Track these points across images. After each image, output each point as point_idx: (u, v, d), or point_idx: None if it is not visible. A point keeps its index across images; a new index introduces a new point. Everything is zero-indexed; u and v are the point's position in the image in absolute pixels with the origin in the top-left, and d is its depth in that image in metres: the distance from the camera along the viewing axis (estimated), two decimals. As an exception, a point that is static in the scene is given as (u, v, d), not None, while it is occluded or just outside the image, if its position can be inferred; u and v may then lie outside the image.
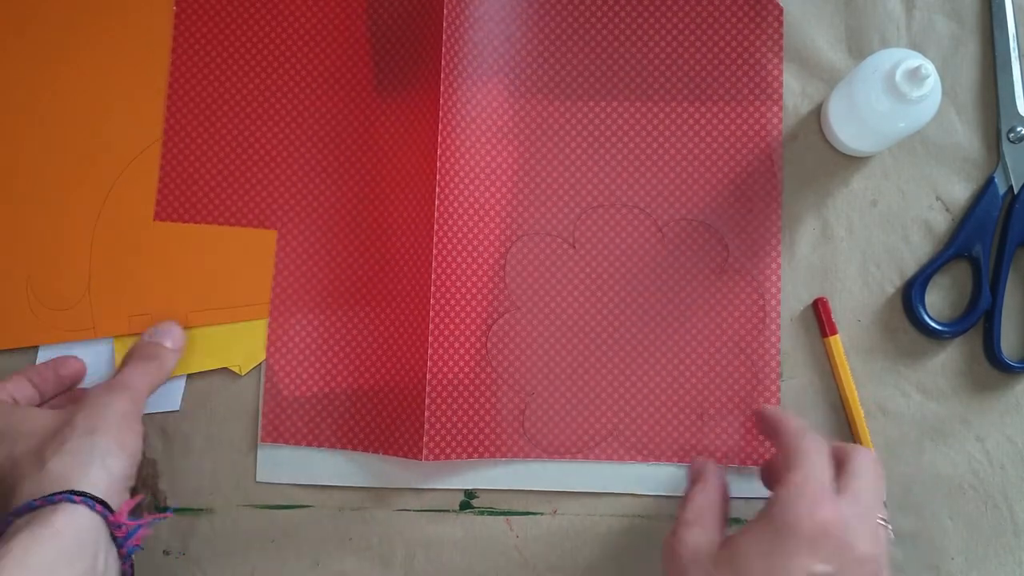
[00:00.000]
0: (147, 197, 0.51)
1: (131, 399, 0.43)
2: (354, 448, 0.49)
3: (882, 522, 0.39)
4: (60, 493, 0.38)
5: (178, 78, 0.52)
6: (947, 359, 0.49)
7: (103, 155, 0.51)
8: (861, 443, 0.48)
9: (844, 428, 0.49)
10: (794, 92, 0.50)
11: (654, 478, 0.49)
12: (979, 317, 0.48)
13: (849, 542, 0.37)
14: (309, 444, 0.49)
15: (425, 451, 0.47)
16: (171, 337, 0.48)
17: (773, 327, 0.49)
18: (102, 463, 0.40)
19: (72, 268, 0.51)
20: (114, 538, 0.39)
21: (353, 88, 0.52)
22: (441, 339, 0.48)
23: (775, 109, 0.50)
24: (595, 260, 0.50)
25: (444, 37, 0.49)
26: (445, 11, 0.49)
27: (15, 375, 0.46)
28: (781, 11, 0.51)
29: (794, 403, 0.49)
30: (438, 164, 0.49)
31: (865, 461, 0.40)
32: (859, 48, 0.50)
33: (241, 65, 0.52)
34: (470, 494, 0.49)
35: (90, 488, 0.38)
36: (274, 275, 0.50)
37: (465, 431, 0.48)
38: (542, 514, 0.49)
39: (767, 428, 0.44)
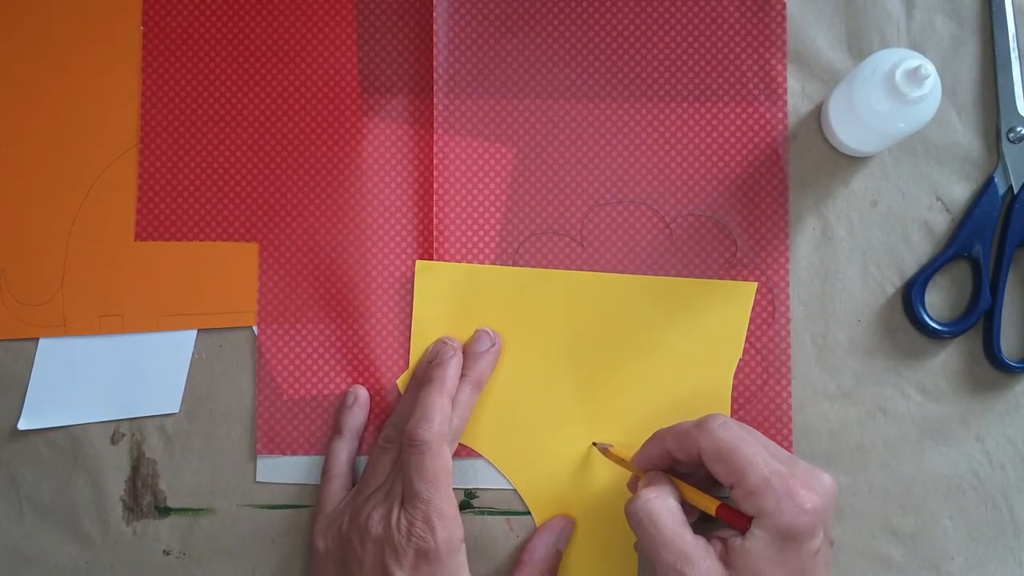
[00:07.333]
0: (126, 198, 0.51)
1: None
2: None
3: None
4: None
5: (150, 97, 0.51)
6: (947, 359, 0.49)
7: (84, 155, 0.51)
8: None
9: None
10: (794, 92, 0.50)
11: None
12: (979, 317, 0.48)
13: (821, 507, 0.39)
14: (306, 452, 0.49)
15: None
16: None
17: (783, 320, 0.49)
18: None
19: (47, 265, 0.51)
20: None
21: (329, 95, 0.51)
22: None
23: (780, 103, 0.50)
24: (604, 257, 0.50)
25: (435, 40, 0.49)
26: (435, 12, 0.49)
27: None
28: (784, 10, 0.50)
29: (799, 402, 0.49)
30: (435, 166, 0.49)
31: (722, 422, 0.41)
32: (859, 48, 0.50)
33: (212, 80, 0.51)
34: (470, 494, 0.49)
35: None
36: (259, 286, 0.50)
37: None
38: (542, 514, 0.49)
39: (676, 446, 0.43)
